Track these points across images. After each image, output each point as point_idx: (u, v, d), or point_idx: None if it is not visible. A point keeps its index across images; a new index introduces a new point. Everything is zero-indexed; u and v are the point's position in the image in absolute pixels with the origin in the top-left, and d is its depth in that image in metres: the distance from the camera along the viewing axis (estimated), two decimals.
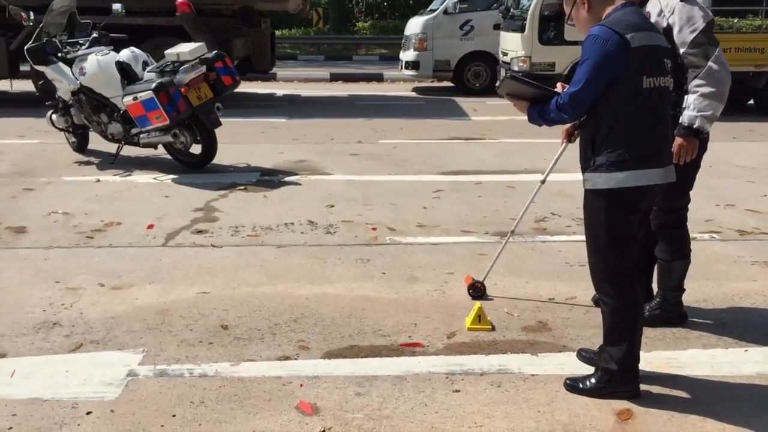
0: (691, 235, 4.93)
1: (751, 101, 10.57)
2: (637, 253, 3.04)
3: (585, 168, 2.90)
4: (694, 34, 3.28)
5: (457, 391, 3.02)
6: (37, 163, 7.12)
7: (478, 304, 3.66)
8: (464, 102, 11.86)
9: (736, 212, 5.59)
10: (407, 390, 3.03)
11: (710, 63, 3.27)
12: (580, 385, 3.00)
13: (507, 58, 10.73)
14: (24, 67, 11.01)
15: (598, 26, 2.76)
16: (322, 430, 2.75)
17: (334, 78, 15.53)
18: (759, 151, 7.86)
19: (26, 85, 11.34)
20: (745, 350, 3.40)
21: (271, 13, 12.06)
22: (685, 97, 3.32)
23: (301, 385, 3.06)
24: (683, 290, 3.70)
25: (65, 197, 5.92)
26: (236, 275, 4.32)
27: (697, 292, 4.01)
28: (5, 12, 9.39)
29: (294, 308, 3.85)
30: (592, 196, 2.91)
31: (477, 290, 3.98)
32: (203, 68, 6.46)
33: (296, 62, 20.87)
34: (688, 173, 3.45)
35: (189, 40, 9.33)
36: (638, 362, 2.95)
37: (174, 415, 2.84)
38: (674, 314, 3.65)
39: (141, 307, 3.86)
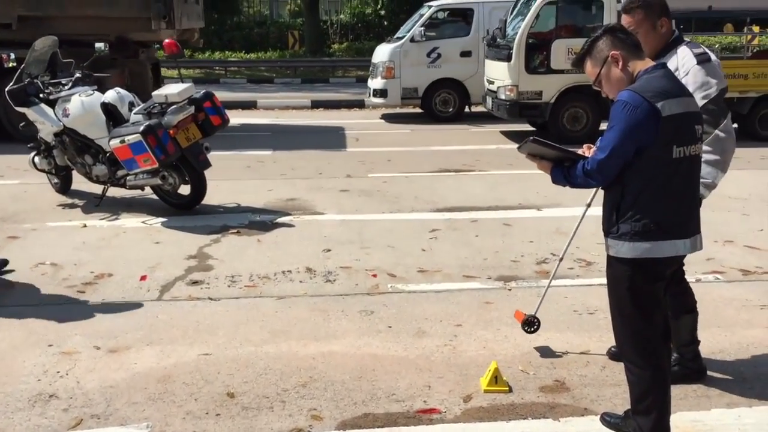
0: (695, 276, 4.94)
1: (735, 125, 10.64)
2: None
3: (608, 233, 2.82)
4: (705, 101, 3.23)
5: None
6: (20, 207, 6.91)
7: (494, 363, 3.55)
8: (427, 130, 11.84)
9: (736, 249, 5.57)
10: None
11: (718, 131, 3.27)
12: None
13: (493, 87, 10.71)
14: None
15: (627, 92, 2.65)
16: None
17: (315, 105, 15.43)
18: (748, 180, 7.90)
19: None
20: None
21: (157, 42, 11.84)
22: None
23: None
24: (698, 342, 3.63)
25: (52, 245, 5.73)
26: (237, 333, 4.17)
27: (711, 342, 3.93)
28: None
29: (301, 370, 3.71)
30: (615, 263, 2.82)
31: (532, 324, 3.89)
32: (192, 109, 6.33)
33: (273, 85, 20.84)
34: None
35: None
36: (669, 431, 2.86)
37: None
38: (693, 369, 3.57)
39: (141, 373, 3.69)
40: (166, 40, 6.51)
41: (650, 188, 2.66)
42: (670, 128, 2.62)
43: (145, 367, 3.76)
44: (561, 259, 4.03)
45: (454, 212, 6.72)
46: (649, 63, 2.77)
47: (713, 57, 3.37)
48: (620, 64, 2.74)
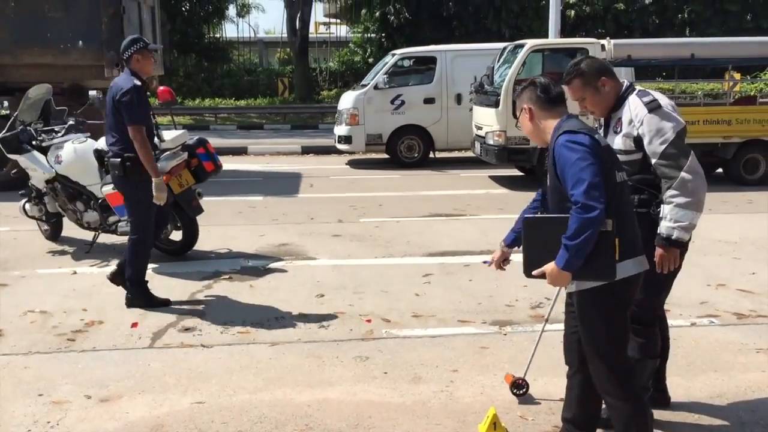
0: (690, 320, 4.95)
1: (720, 169, 10.80)
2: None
3: None
4: (664, 146, 3.22)
5: None
6: (9, 254, 6.85)
7: (492, 409, 3.51)
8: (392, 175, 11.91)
9: (730, 293, 5.58)
10: None
11: (683, 173, 3.20)
12: None
13: (482, 132, 10.84)
14: None
15: (565, 134, 2.80)
16: None
17: (306, 151, 15.52)
18: (736, 224, 7.96)
19: None
20: None
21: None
22: (662, 206, 3.28)
23: None
24: (649, 390, 3.51)
25: (41, 293, 5.66)
26: (231, 380, 4.11)
27: (709, 387, 3.92)
28: None
29: (297, 418, 3.65)
30: (587, 297, 2.88)
31: (521, 387, 3.86)
32: (185, 155, 6.34)
33: (263, 131, 20.95)
34: (670, 274, 3.38)
35: None
36: None
37: None
38: None
39: (133, 422, 3.62)
40: (160, 88, 6.57)
41: (607, 214, 2.72)
42: (607, 156, 2.81)
43: (137, 416, 3.69)
44: (550, 313, 4.01)
45: (447, 256, 6.73)
46: (559, 118, 2.94)
47: (664, 101, 3.31)
48: (528, 116, 2.99)
